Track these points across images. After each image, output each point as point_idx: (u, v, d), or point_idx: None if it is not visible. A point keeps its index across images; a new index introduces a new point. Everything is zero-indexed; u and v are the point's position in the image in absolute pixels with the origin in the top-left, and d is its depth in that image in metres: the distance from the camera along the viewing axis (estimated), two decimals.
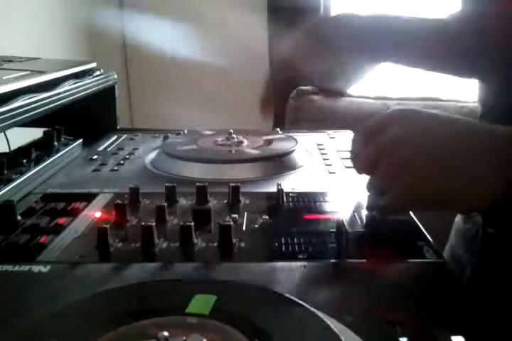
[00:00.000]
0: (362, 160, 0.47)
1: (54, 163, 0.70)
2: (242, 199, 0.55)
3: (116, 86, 0.92)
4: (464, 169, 0.41)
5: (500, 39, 0.56)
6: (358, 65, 0.66)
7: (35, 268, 0.41)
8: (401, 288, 0.37)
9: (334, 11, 2.26)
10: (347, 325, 0.32)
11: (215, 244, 0.45)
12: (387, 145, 0.44)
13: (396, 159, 0.43)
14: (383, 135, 0.45)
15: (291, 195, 0.57)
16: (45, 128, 0.78)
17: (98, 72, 0.87)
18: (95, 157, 0.74)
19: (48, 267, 0.41)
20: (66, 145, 0.77)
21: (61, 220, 0.50)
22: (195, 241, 0.45)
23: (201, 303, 0.33)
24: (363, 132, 0.49)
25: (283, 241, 0.45)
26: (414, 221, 0.50)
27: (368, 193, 0.50)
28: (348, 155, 0.73)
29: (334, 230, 0.46)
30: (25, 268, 0.41)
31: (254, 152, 0.69)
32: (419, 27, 0.63)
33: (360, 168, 0.48)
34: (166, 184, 0.56)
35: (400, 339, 0.31)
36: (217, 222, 0.46)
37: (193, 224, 0.45)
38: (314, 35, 0.64)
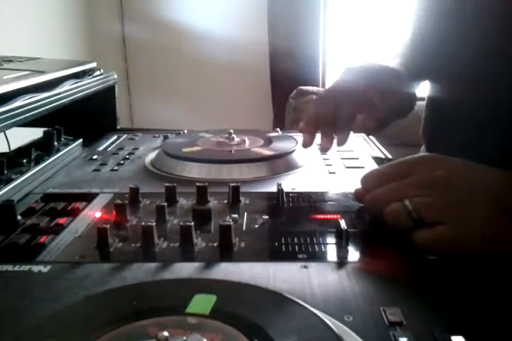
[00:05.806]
0: (388, 190, 0.47)
1: (54, 163, 0.70)
2: (242, 199, 0.55)
3: (116, 86, 0.92)
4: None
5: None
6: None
7: (35, 268, 0.40)
8: (401, 288, 0.37)
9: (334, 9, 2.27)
10: (347, 325, 0.32)
11: (215, 244, 0.45)
12: (440, 180, 0.44)
13: (452, 192, 0.43)
14: (425, 173, 0.45)
15: (291, 194, 0.57)
16: (45, 128, 0.78)
17: (98, 72, 0.87)
18: (95, 157, 0.74)
19: (48, 267, 0.41)
20: (66, 145, 0.77)
21: (61, 220, 0.50)
22: (195, 241, 0.45)
23: (201, 303, 0.33)
24: (384, 171, 0.49)
25: (283, 241, 0.45)
26: None
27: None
28: (348, 155, 0.73)
29: (334, 230, 0.46)
30: (25, 268, 0.41)
31: (254, 152, 0.69)
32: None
33: (383, 198, 0.47)
34: (166, 184, 0.56)
35: (400, 339, 0.31)
36: (218, 222, 0.46)
37: (193, 224, 0.45)
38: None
